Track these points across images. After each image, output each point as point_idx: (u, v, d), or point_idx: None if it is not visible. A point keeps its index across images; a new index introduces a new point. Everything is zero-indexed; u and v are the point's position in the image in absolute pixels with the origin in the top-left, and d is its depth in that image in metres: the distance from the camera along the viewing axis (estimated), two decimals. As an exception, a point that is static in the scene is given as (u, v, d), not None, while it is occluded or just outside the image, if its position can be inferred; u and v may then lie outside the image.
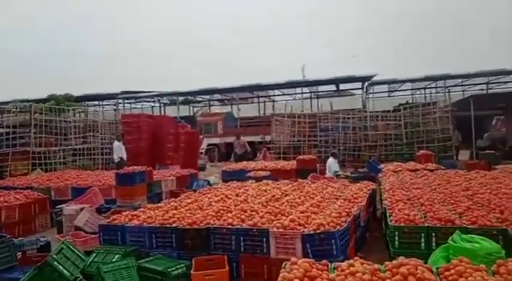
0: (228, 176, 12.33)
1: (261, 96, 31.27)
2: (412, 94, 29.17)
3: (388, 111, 20.19)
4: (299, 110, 22.81)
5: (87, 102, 29.92)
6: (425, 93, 28.51)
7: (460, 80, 24.76)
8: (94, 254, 4.98)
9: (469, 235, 4.01)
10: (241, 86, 25.95)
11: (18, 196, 8.84)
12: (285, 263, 3.55)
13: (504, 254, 3.65)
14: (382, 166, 11.79)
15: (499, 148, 19.17)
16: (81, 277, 4.66)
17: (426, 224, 4.82)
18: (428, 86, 26.86)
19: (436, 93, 27.13)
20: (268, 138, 21.35)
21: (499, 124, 24.10)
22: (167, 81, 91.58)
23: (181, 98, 28.90)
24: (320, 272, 3.36)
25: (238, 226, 5.19)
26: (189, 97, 31.24)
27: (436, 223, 4.85)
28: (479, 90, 27.10)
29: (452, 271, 3.13)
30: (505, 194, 6.07)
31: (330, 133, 19.28)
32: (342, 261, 3.64)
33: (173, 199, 7.43)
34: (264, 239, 4.91)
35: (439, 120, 18.10)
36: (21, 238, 6.33)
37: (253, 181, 9.45)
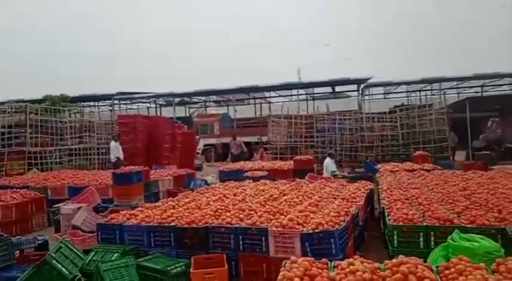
0: (225, 176, 12.32)
1: (257, 98, 31.32)
2: (408, 96, 29.33)
3: (384, 113, 20.25)
4: (295, 112, 22.84)
5: (82, 103, 29.83)
6: (420, 96, 28.67)
7: (455, 83, 24.95)
8: (93, 253, 4.97)
9: (468, 234, 4.03)
10: (237, 88, 25.98)
11: (14, 195, 8.82)
12: (284, 262, 3.54)
13: (503, 253, 3.67)
14: (379, 166, 11.81)
15: (494, 149, 19.29)
16: (80, 275, 4.65)
17: (425, 224, 4.84)
18: (424, 89, 27.01)
19: (432, 95, 27.28)
20: (264, 138, 21.37)
21: (494, 126, 24.22)
22: (167, 81, 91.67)
23: (177, 99, 28.87)
24: (320, 270, 3.36)
25: (237, 225, 5.19)
26: (185, 98, 31.23)
27: (434, 222, 4.87)
28: (474, 92, 27.31)
29: (452, 270, 3.14)
30: (503, 194, 6.10)
31: (327, 134, 19.31)
32: (341, 260, 3.64)
33: (171, 198, 7.41)
34: (263, 238, 4.91)
35: (435, 122, 18.19)
36: (18, 237, 6.29)
37: (251, 180, 9.44)
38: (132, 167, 10.02)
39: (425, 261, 3.62)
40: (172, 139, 17.87)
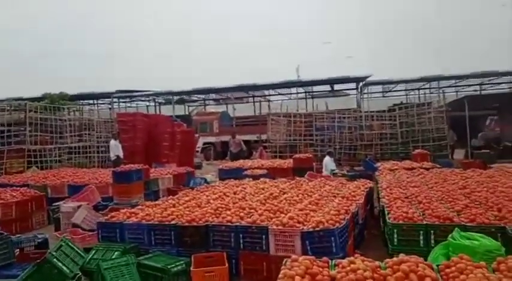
0: (224, 175, 12.31)
1: (256, 96, 31.31)
2: (406, 95, 29.34)
3: (383, 111, 20.28)
4: (294, 110, 22.85)
5: (81, 101, 29.80)
6: (419, 94, 28.69)
7: (453, 81, 24.97)
8: (93, 251, 4.98)
9: (468, 233, 4.04)
10: (236, 86, 25.96)
11: (14, 194, 8.82)
12: (285, 260, 3.54)
13: (504, 251, 3.69)
14: (379, 164, 11.82)
15: (493, 147, 19.34)
16: (80, 273, 4.65)
17: (425, 222, 4.86)
18: (423, 87, 27.03)
19: (430, 93, 27.30)
20: (264, 137, 21.38)
21: (493, 124, 24.27)
22: (167, 81, 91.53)
23: (176, 98, 28.84)
24: (321, 269, 3.36)
25: (238, 223, 5.20)
26: (184, 96, 31.20)
27: (434, 220, 4.89)
28: (472, 91, 27.33)
29: (453, 268, 3.14)
30: (502, 193, 6.11)
31: (326, 132, 19.35)
32: (342, 258, 3.65)
33: (171, 196, 7.42)
34: (264, 237, 4.93)
35: (434, 120, 18.23)
36: (18, 235, 6.29)
37: (251, 179, 9.45)
38: (132, 165, 10.01)
39: (425, 259, 3.63)
40: (171, 137, 17.86)
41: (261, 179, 9.23)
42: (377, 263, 3.34)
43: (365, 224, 7.06)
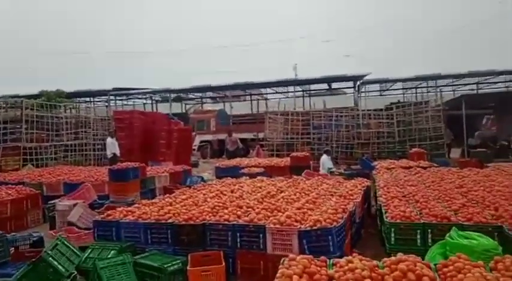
0: (221, 173, 12.27)
1: (253, 94, 31.30)
2: (404, 93, 29.41)
3: (381, 109, 20.31)
4: (291, 108, 22.86)
5: (78, 99, 29.72)
6: (416, 93, 28.76)
7: (450, 80, 25.04)
8: (89, 250, 4.95)
9: (465, 232, 4.04)
10: (233, 84, 25.94)
11: (10, 191, 8.74)
12: (283, 259, 3.52)
13: (501, 250, 3.68)
14: (375, 163, 11.83)
15: (489, 146, 19.37)
16: (76, 272, 4.62)
17: (422, 221, 4.84)
18: (420, 86, 27.10)
19: (427, 92, 27.39)
20: (261, 135, 21.36)
21: (489, 123, 24.33)
22: (167, 80, 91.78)
23: (173, 95, 28.78)
24: (319, 268, 3.34)
25: (235, 222, 5.17)
26: (181, 94, 31.14)
27: (431, 219, 4.88)
28: (469, 90, 27.40)
29: (451, 268, 3.13)
30: (499, 192, 6.11)
31: (323, 131, 19.36)
32: (339, 257, 3.64)
33: (168, 195, 7.37)
34: (261, 235, 4.90)
35: (431, 119, 18.27)
36: (13, 233, 6.25)
37: (248, 177, 9.43)
38: (129, 163, 9.98)
39: (422, 258, 3.62)
40: (168, 135, 17.83)
41: (258, 177, 9.22)
42: (375, 262, 3.33)
43: (362, 223, 7.06)
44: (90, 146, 18.80)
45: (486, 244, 3.72)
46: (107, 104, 29.12)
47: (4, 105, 16.92)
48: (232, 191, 7.23)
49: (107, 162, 15.10)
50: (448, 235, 4.00)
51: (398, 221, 4.93)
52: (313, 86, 28.42)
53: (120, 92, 28.29)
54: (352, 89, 24.78)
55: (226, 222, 5.21)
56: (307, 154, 13.84)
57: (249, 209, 5.68)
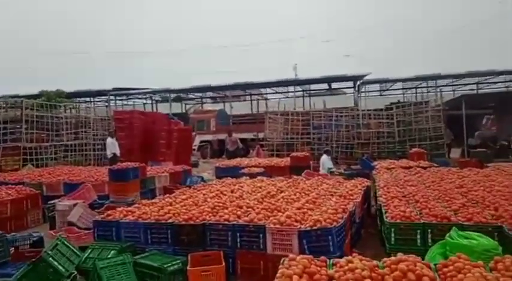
0: (221, 173, 12.26)
1: (253, 94, 31.30)
2: (404, 93, 29.41)
3: (381, 109, 20.32)
4: (291, 108, 22.86)
5: (78, 99, 29.72)
6: (416, 93, 28.76)
7: (450, 80, 25.03)
8: (89, 250, 4.95)
9: (465, 232, 4.03)
10: (233, 84, 25.94)
11: (10, 191, 8.74)
12: (283, 259, 3.52)
13: (501, 250, 3.68)
14: (375, 163, 11.82)
15: (489, 146, 19.37)
16: (76, 272, 4.62)
17: (422, 221, 4.85)
18: (420, 86, 27.09)
19: (427, 92, 27.38)
20: (261, 135, 21.35)
21: (489, 123, 24.33)
22: (167, 80, 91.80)
23: (173, 95, 28.77)
24: (319, 268, 3.34)
25: (235, 222, 5.17)
26: (181, 94, 31.13)
27: (431, 219, 4.88)
28: (469, 90, 27.41)
29: (451, 268, 3.13)
30: (499, 192, 6.12)
31: (323, 131, 19.36)
32: (339, 257, 3.64)
33: (168, 195, 7.37)
34: (261, 235, 4.90)
35: (431, 119, 18.27)
36: (13, 233, 6.24)
37: (248, 177, 9.43)
38: (129, 163, 9.98)
39: (422, 258, 3.63)
40: (168, 135, 17.83)
41: (258, 177, 9.22)
42: (375, 262, 3.33)
43: (362, 223, 7.06)
44: (90, 146, 18.81)
45: (486, 244, 3.72)
46: (107, 104, 29.12)
47: (4, 105, 16.93)
48: (232, 191, 7.23)
49: (107, 162, 15.11)
50: (448, 235, 4.00)
51: (398, 221, 4.93)
52: (313, 86, 28.40)
53: (120, 92, 28.28)
54: (352, 89, 24.77)
55: (226, 222, 5.21)
56: (307, 154, 13.83)
57: (249, 209, 5.68)
